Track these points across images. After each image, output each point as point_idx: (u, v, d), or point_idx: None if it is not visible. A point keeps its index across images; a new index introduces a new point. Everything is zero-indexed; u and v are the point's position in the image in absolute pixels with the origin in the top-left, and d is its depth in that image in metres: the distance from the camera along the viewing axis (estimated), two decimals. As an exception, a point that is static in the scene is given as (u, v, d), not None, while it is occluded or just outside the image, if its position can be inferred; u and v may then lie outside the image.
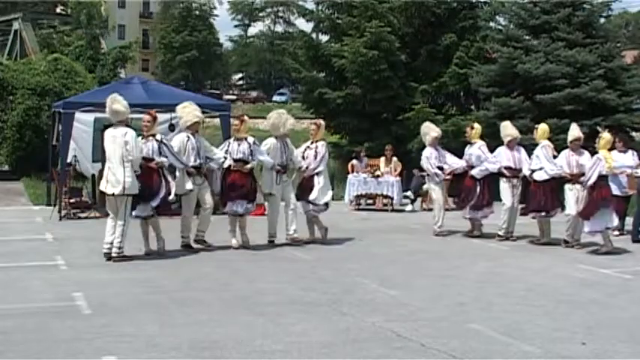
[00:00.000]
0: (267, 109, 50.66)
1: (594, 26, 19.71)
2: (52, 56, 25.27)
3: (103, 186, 9.45)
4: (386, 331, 6.25)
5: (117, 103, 9.55)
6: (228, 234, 10.51)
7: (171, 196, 9.79)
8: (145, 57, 74.47)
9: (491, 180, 11.63)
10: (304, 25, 27.79)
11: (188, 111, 10.42)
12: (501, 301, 7.41)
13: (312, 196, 10.83)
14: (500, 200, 11.53)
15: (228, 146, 10.52)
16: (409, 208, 15.92)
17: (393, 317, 6.71)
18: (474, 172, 11.59)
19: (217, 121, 15.47)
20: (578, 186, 10.52)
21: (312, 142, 11.16)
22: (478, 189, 11.56)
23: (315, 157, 10.94)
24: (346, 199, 16.10)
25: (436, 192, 12.15)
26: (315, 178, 10.90)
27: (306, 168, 10.92)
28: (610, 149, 10.73)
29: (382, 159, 16.46)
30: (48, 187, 15.83)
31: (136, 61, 44.44)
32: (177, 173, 9.99)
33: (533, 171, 11.01)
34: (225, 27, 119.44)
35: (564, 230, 10.86)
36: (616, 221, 10.48)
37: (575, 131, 10.91)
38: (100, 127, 13.36)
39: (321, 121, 11.90)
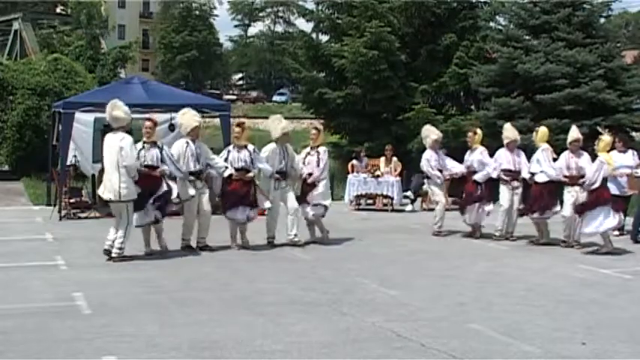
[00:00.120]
0: (267, 109, 50.88)
1: (594, 26, 19.71)
2: (52, 56, 25.27)
3: (101, 190, 9.51)
4: (386, 331, 6.25)
5: (117, 109, 9.51)
6: (229, 239, 10.50)
7: (174, 196, 9.80)
8: (145, 57, 74.44)
9: (492, 184, 11.63)
10: (304, 25, 27.84)
11: (187, 117, 10.41)
12: (501, 301, 7.41)
13: (311, 200, 10.84)
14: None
15: (228, 154, 10.46)
16: (409, 208, 15.92)
17: (393, 317, 6.71)
18: (477, 176, 11.58)
19: (217, 121, 15.46)
20: (576, 188, 10.54)
21: (312, 148, 11.15)
22: (479, 192, 11.56)
23: (318, 164, 10.93)
24: (346, 199, 16.09)
25: (437, 194, 12.15)
26: (317, 183, 10.94)
27: (309, 175, 10.91)
28: (610, 149, 10.74)
29: (382, 159, 16.46)
30: (48, 187, 15.83)
31: (136, 61, 44.40)
32: (178, 180, 9.99)
33: (533, 174, 11.01)
34: (225, 27, 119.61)
35: (562, 230, 10.87)
36: (616, 221, 10.47)
37: (574, 133, 10.91)
38: (100, 127, 13.36)
39: (320, 126, 11.95)
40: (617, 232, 11.34)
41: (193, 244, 10.28)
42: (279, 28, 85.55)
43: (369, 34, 20.17)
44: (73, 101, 14.86)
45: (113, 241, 9.36)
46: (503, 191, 11.46)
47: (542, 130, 11.29)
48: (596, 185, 10.16)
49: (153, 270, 8.92)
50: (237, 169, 10.31)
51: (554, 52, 18.55)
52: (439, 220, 12.07)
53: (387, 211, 15.67)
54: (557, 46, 18.66)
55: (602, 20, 20.90)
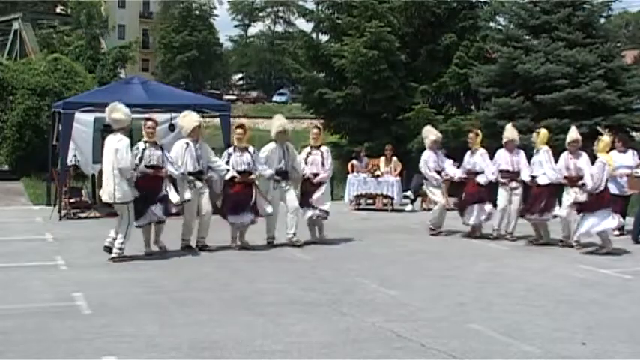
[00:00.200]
0: (267, 109, 50.91)
1: (594, 26, 19.70)
2: (52, 56, 25.26)
3: (101, 191, 9.60)
4: (386, 331, 6.25)
5: (116, 112, 9.50)
6: (230, 239, 10.49)
7: (176, 200, 9.81)
8: (145, 57, 74.47)
9: (493, 185, 11.62)
10: (304, 25, 27.86)
11: (187, 120, 10.40)
12: (501, 301, 7.41)
13: (316, 203, 10.86)
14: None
15: (230, 157, 10.42)
16: (409, 208, 15.91)
17: (393, 317, 6.71)
18: (478, 178, 11.56)
19: (217, 121, 15.46)
20: (575, 189, 10.53)
21: (312, 147, 11.14)
22: (479, 193, 11.55)
23: (323, 165, 10.96)
24: (346, 199, 16.09)
25: (436, 195, 12.15)
26: (321, 184, 10.98)
27: (314, 175, 10.91)
28: (609, 150, 10.73)
29: (382, 159, 16.46)
30: (48, 187, 15.83)
31: (136, 61, 44.41)
32: (178, 181, 10.00)
33: (534, 177, 10.98)
34: (225, 27, 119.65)
35: (560, 230, 10.89)
36: (615, 222, 10.47)
37: (573, 133, 10.90)
38: (100, 127, 13.36)
39: (320, 125, 11.99)
40: (617, 232, 11.34)
41: (193, 243, 10.28)
42: (279, 28, 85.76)
43: (369, 34, 20.17)
44: (73, 101, 14.85)
45: (114, 238, 9.37)
46: (501, 192, 11.47)
47: (544, 132, 11.25)
48: (602, 188, 10.17)
49: (153, 270, 8.92)
50: (239, 172, 10.30)
51: (554, 52, 18.55)
52: (434, 218, 12.13)
53: (387, 211, 15.67)
54: (557, 46, 18.66)
55: (602, 20, 20.90)
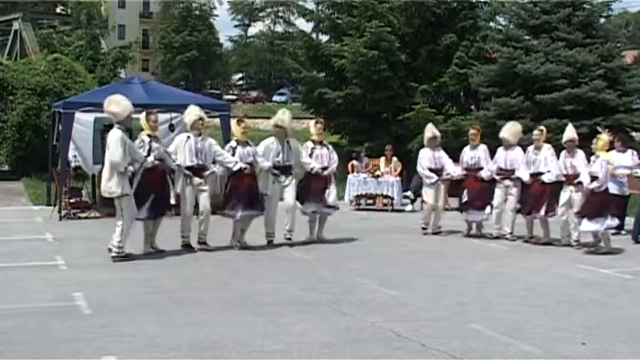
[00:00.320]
0: (267, 109, 50.80)
1: (594, 26, 19.73)
2: (52, 56, 25.25)
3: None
4: (386, 331, 6.25)
5: (111, 105, 9.52)
6: (231, 236, 10.49)
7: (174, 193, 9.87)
8: (145, 57, 74.46)
9: (493, 183, 11.64)
10: (304, 25, 27.85)
11: (188, 113, 10.49)
12: (501, 301, 7.41)
13: (329, 200, 11.08)
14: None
15: (234, 151, 10.43)
16: (409, 208, 15.92)
17: (393, 317, 6.71)
18: (482, 173, 11.56)
19: (217, 121, 15.46)
20: (571, 187, 10.54)
21: (315, 142, 11.22)
22: (482, 190, 11.55)
23: (330, 159, 11.16)
24: (346, 199, 16.08)
25: (427, 194, 12.13)
26: (329, 181, 11.15)
27: (323, 169, 11.04)
28: (609, 149, 10.72)
29: (382, 159, 16.47)
30: (48, 187, 15.82)
31: (136, 61, 44.43)
32: (176, 174, 10.03)
33: (538, 174, 10.93)
34: (225, 27, 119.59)
35: (559, 230, 10.91)
36: (614, 223, 10.47)
37: (569, 132, 10.90)
38: (100, 127, 13.37)
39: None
40: (613, 231, 11.32)
41: (193, 243, 10.28)
42: (279, 28, 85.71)
43: (369, 34, 20.18)
44: (73, 101, 14.86)
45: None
46: (495, 190, 11.49)
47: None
48: (605, 186, 10.16)
49: (153, 270, 8.92)
50: (248, 164, 10.34)
51: (554, 52, 18.56)
52: (424, 217, 12.26)
53: (387, 211, 15.67)
54: (557, 46, 18.67)
55: (602, 20, 20.94)
